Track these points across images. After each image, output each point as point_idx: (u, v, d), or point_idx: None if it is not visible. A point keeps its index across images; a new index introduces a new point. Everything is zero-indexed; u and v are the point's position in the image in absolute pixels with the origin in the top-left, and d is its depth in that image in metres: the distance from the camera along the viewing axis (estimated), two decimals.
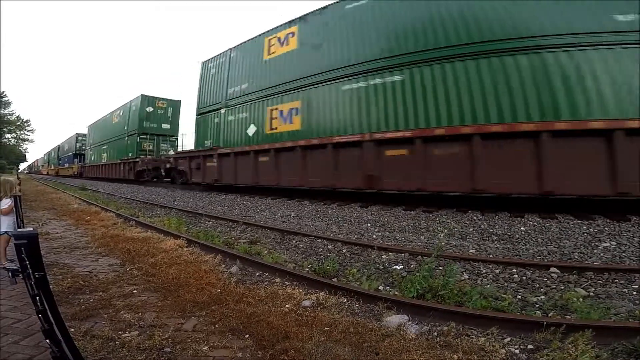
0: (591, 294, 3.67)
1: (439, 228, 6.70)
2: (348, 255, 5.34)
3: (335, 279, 4.17)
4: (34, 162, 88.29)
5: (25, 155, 76.98)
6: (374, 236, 6.49)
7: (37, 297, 1.08)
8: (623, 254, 4.85)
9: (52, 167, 56.98)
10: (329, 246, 5.84)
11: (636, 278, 3.93)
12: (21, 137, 64.88)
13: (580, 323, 2.78)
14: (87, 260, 5.03)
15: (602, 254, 4.89)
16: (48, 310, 1.07)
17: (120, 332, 2.81)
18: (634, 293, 3.59)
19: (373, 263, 4.86)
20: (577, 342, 2.54)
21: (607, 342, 2.59)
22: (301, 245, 6.00)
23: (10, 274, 4.08)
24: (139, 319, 3.06)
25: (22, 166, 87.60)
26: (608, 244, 5.23)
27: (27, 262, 1.05)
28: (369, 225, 7.34)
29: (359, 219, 7.83)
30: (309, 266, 4.71)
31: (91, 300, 3.49)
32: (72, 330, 2.76)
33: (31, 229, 1.15)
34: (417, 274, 3.84)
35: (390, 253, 5.25)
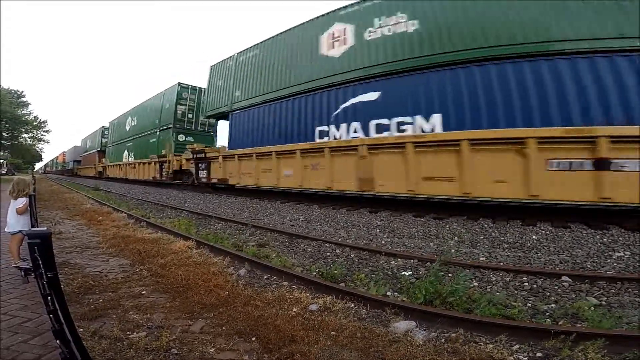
0: (603, 302, 3.60)
1: (448, 235, 6.64)
2: (356, 260, 5.32)
3: (342, 284, 4.16)
4: (59, 155, 68.06)
5: (40, 155, 78.13)
6: (383, 242, 6.45)
7: (49, 297, 1.09)
8: (637, 263, 4.75)
9: (114, 165, 29.96)
10: (337, 251, 5.83)
11: None
12: (37, 137, 65.87)
13: (591, 331, 2.74)
14: (97, 260, 5.10)
15: (615, 264, 4.80)
16: (59, 310, 1.08)
17: (128, 333, 2.83)
18: None
19: (381, 269, 4.84)
20: (587, 351, 2.50)
21: (618, 351, 2.54)
22: (309, 249, 6.00)
23: (22, 272, 4.17)
24: (147, 320, 3.09)
25: (38, 165, 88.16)
26: (622, 254, 5.13)
27: (40, 262, 1.06)
28: (378, 230, 7.31)
29: (368, 225, 7.80)
30: (317, 270, 4.71)
31: (100, 300, 3.53)
32: (81, 330, 2.80)
33: (44, 228, 1.17)
34: (426, 280, 3.82)
35: (399, 259, 5.22)
